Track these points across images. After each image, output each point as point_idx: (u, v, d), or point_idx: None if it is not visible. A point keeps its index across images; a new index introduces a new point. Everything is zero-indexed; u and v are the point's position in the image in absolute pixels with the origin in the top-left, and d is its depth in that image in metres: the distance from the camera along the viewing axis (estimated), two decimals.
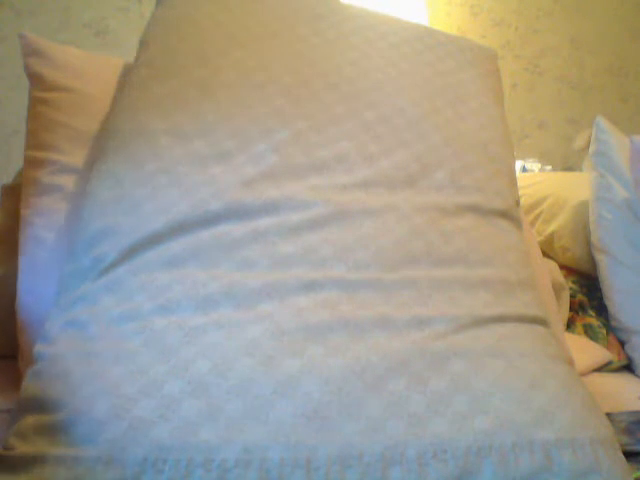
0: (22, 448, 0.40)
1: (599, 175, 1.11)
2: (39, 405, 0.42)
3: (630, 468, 0.47)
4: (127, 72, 0.69)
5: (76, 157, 0.64)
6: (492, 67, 0.81)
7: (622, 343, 1.05)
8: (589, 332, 1.07)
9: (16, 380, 0.54)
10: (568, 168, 1.91)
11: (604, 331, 1.06)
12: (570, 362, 0.55)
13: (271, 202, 0.55)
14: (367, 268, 0.53)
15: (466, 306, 0.54)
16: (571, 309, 1.09)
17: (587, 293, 1.16)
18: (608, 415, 0.54)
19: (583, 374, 0.91)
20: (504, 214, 0.65)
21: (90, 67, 0.72)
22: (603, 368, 0.98)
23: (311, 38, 0.68)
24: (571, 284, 1.16)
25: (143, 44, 0.68)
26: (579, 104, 2.04)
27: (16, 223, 0.63)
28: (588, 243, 1.13)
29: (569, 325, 1.08)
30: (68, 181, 0.63)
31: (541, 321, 0.57)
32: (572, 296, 1.11)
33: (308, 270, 0.51)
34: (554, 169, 1.80)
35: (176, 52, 0.64)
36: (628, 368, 1.03)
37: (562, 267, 1.17)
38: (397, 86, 0.68)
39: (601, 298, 1.09)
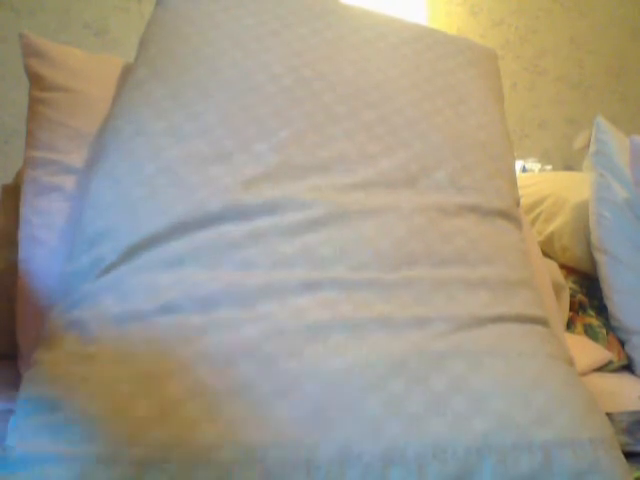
0: (22, 448, 0.40)
1: (599, 175, 1.11)
2: (39, 405, 0.42)
3: (630, 468, 0.47)
4: (127, 72, 0.69)
5: (76, 157, 0.64)
6: (492, 67, 0.81)
7: (622, 343, 1.05)
8: (589, 332, 1.07)
9: (16, 380, 0.54)
10: (568, 168, 1.91)
11: (604, 331, 1.06)
12: (570, 362, 0.55)
13: (271, 202, 0.55)
14: (367, 268, 0.53)
15: (466, 306, 0.54)
16: (571, 309, 1.09)
17: (587, 293, 1.16)
18: (608, 415, 0.54)
19: (583, 374, 0.91)
20: (504, 214, 0.65)
21: (90, 67, 0.72)
22: (603, 368, 0.98)
23: (310, 38, 0.68)
24: (571, 284, 1.16)
25: (143, 44, 0.68)
26: (579, 104, 2.04)
27: (16, 223, 0.63)
28: (588, 243, 1.13)
29: (569, 325, 1.08)
30: (68, 181, 0.63)
31: (541, 321, 0.57)
32: (572, 296, 1.11)
33: (308, 270, 0.51)
34: (554, 169, 1.80)
35: (175, 52, 0.64)
36: (628, 368, 1.03)
37: (562, 267, 1.17)
38: (397, 86, 0.68)
39: (601, 298, 1.09)
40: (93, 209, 0.54)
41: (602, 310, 1.10)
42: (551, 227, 1.22)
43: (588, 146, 1.19)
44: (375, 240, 0.55)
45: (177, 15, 0.69)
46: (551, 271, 1.05)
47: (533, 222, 1.26)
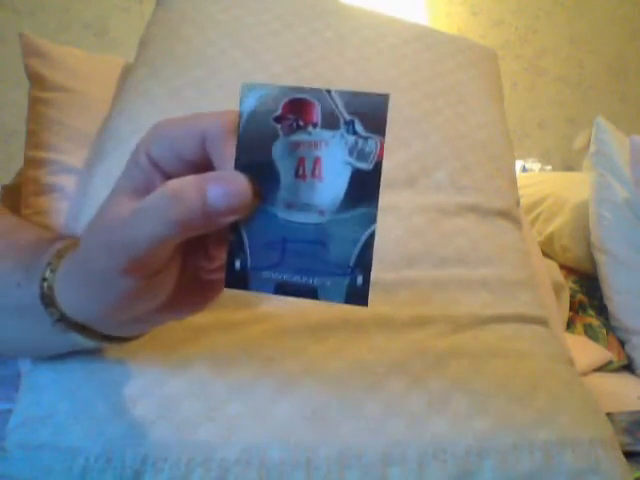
0: (22, 448, 0.40)
1: (599, 175, 1.11)
2: (39, 405, 0.42)
3: (630, 468, 0.47)
4: (127, 72, 0.69)
5: (76, 157, 0.64)
6: (492, 67, 0.81)
7: (622, 343, 1.05)
8: (589, 332, 1.07)
9: (16, 380, 0.54)
10: (568, 168, 1.91)
11: (604, 331, 1.06)
12: (570, 362, 0.55)
13: None
14: None
15: (466, 306, 0.54)
16: (571, 309, 1.09)
17: (587, 293, 1.16)
18: (608, 415, 0.54)
19: (583, 374, 0.91)
20: (504, 214, 0.65)
21: (90, 67, 0.72)
22: (603, 368, 0.98)
23: (310, 38, 0.68)
24: (571, 284, 1.16)
25: (142, 44, 0.68)
26: (579, 104, 2.04)
27: None
28: (588, 243, 1.13)
29: (569, 325, 1.08)
30: (68, 181, 0.63)
31: (541, 321, 0.57)
32: (572, 296, 1.11)
33: None
34: (554, 169, 1.80)
35: (175, 52, 0.64)
36: (628, 368, 1.03)
37: (562, 267, 1.17)
38: (397, 86, 0.68)
39: (601, 298, 1.09)
40: (92, 209, 0.54)
41: (602, 310, 1.10)
42: (551, 227, 1.22)
43: (588, 146, 1.19)
44: None
45: (177, 15, 0.69)
46: (551, 271, 1.05)
47: (533, 222, 1.26)
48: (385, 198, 0.60)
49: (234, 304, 0.48)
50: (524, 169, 1.72)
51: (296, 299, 0.29)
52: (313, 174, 0.27)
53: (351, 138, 0.27)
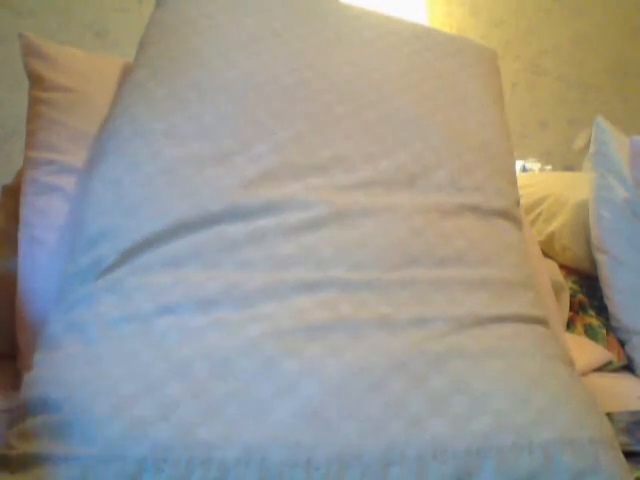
0: (22, 448, 0.40)
1: (599, 175, 1.11)
2: (40, 405, 0.42)
3: (630, 468, 0.47)
4: (127, 72, 0.69)
5: (76, 157, 0.64)
6: (492, 67, 0.81)
7: (622, 343, 1.05)
8: (589, 332, 1.06)
9: (16, 380, 0.54)
10: (568, 168, 1.91)
11: (604, 331, 1.06)
12: (570, 362, 0.55)
13: (271, 202, 0.55)
14: (367, 268, 0.53)
15: (466, 306, 0.53)
16: (571, 309, 1.09)
17: (587, 293, 1.15)
18: (608, 415, 0.54)
19: (583, 374, 0.91)
20: (504, 214, 0.65)
21: (90, 67, 0.72)
22: (603, 368, 0.98)
23: (310, 38, 0.68)
24: (571, 284, 1.16)
25: (142, 45, 0.68)
26: (579, 104, 2.04)
27: (16, 223, 0.63)
28: (588, 243, 1.13)
29: (569, 325, 1.08)
30: (68, 181, 0.63)
31: (541, 321, 0.57)
32: (572, 296, 1.11)
33: (308, 270, 0.51)
34: (554, 169, 1.80)
35: (175, 53, 0.64)
36: (628, 368, 1.03)
37: (562, 267, 1.17)
38: (397, 86, 0.68)
39: (601, 298, 1.09)
40: (93, 210, 0.54)
41: (602, 310, 1.10)
42: (551, 227, 1.22)
43: (588, 146, 1.19)
44: (375, 240, 0.55)
45: (176, 16, 0.69)
46: (551, 271, 1.05)
47: (533, 222, 1.26)
48: (385, 198, 0.61)
49: (234, 304, 0.48)
50: (524, 169, 1.72)
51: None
52: None
53: None
